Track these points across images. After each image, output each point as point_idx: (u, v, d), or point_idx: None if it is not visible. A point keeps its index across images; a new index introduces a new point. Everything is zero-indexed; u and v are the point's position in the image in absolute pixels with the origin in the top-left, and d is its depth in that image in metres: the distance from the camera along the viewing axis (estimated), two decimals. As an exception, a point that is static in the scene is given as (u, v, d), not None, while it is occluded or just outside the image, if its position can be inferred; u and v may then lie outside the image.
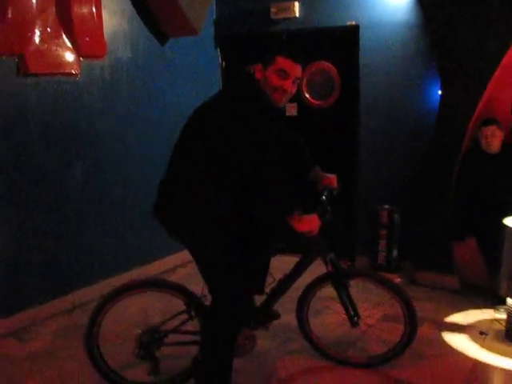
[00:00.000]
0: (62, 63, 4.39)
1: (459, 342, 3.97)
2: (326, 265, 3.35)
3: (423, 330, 3.57)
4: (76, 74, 4.51)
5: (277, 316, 3.50)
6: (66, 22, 4.35)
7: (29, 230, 4.32)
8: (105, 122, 4.88)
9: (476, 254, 4.71)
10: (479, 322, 4.31)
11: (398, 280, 4.81)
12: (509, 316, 4.01)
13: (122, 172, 5.10)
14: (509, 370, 3.58)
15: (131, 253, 5.22)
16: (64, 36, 4.37)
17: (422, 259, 5.07)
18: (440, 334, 4.06)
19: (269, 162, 2.68)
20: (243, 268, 2.94)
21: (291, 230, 2.81)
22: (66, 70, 4.43)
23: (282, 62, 2.80)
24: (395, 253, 5.18)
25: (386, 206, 5.16)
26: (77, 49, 4.44)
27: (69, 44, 4.41)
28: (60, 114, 4.49)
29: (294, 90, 2.90)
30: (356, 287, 3.60)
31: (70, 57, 4.42)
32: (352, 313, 3.46)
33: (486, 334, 4.08)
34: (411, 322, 3.42)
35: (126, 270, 5.10)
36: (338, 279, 3.40)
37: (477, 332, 4.12)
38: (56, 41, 4.32)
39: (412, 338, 3.47)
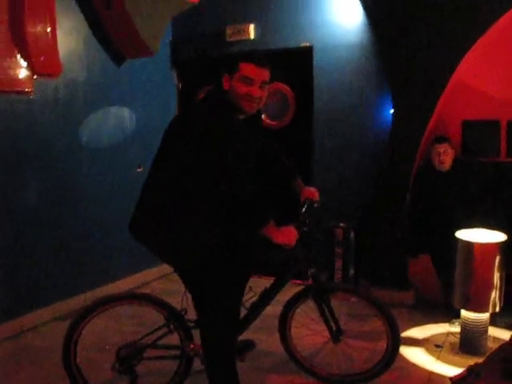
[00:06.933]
0: (15, 81, 4.33)
1: (416, 355, 4.01)
2: (307, 279, 3.31)
3: (381, 345, 3.58)
4: (29, 92, 4.46)
5: (252, 346, 3.44)
6: (19, 40, 4.30)
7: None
8: (59, 143, 4.82)
9: (430, 270, 4.79)
10: (434, 335, 4.38)
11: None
12: (463, 328, 4.08)
13: (78, 193, 5.03)
14: (464, 381, 3.63)
15: (85, 275, 5.13)
16: (17, 54, 4.32)
17: (378, 276, 5.12)
18: (397, 348, 4.09)
19: (238, 176, 2.66)
20: (226, 278, 2.91)
21: (270, 243, 2.78)
22: (19, 88, 4.37)
23: (245, 67, 2.74)
24: (351, 271, 5.22)
25: (342, 225, 5.21)
26: (31, 67, 4.39)
27: (22, 62, 4.35)
28: (12, 133, 4.41)
29: (263, 95, 2.81)
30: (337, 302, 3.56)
31: (23, 74, 4.36)
32: (334, 328, 3.42)
33: (442, 347, 4.15)
34: (394, 339, 3.37)
35: (81, 291, 5.02)
36: (319, 294, 3.34)
37: (432, 345, 4.19)
38: (8, 59, 4.26)
39: (394, 355, 3.41)
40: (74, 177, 4.99)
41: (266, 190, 2.79)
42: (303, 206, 3.22)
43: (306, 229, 3.12)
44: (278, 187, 3.34)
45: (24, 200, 4.52)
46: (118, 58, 5.39)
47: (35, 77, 4.47)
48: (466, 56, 4.49)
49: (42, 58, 4.44)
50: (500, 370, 1.81)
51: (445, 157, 4.65)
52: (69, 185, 4.93)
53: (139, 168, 5.63)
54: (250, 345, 3.44)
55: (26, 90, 4.43)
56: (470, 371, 1.84)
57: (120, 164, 5.49)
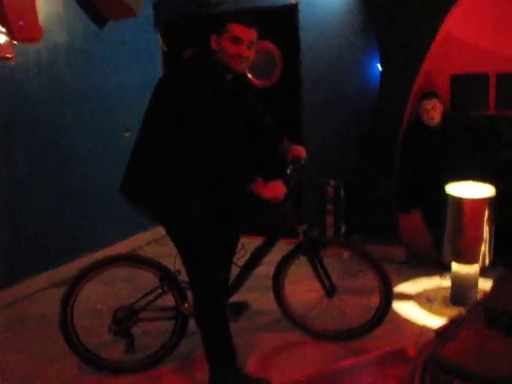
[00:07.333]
0: (-5, 47, 4.24)
1: (408, 310, 4.08)
2: (298, 235, 3.32)
3: (373, 300, 3.63)
4: (10, 58, 4.36)
5: (246, 307, 3.50)
6: (-4, 6, 4.20)
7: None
8: (43, 107, 4.75)
9: (421, 225, 4.82)
10: (426, 290, 4.43)
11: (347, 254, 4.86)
12: (453, 282, 4.13)
13: (64, 159, 4.98)
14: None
15: (77, 241, 5.14)
16: (-5, 21, 4.23)
17: (369, 232, 5.14)
18: (389, 303, 4.14)
19: (217, 132, 2.70)
20: (216, 238, 2.94)
21: (260, 202, 2.79)
22: (-1, 54, 4.29)
23: (234, 28, 2.79)
24: (343, 228, 5.24)
25: (332, 182, 5.21)
26: (10, 32, 4.29)
27: (1, 28, 4.26)
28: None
29: (251, 55, 2.89)
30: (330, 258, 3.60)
31: (2, 40, 4.27)
32: (327, 284, 3.46)
33: (433, 301, 4.20)
34: (386, 293, 3.42)
35: (74, 257, 5.01)
36: (311, 249, 3.37)
37: (424, 299, 4.25)
38: (-13, 25, 4.17)
39: (387, 310, 3.48)
40: (60, 142, 4.93)
41: (252, 151, 2.80)
42: (290, 164, 3.23)
43: (293, 184, 3.12)
44: (263, 148, 3.32)
45: (10, 168, 4.48)
46: (100, 19, 5.25)
47: (15, 42, 4.38)
48: (453, 9, 4.43)
49: (21, 23, 4.33)
50: (482, 318, 1.85)
51: (433, 112, 4.63)
52: (55, 150, 4.88)
53: (127, 132, 5.57)
54: (244, 306, 3.48)
55: (7, 55, 4.33)
56: (453, 322, 1.89)
57: (107, 128, 5.42)
